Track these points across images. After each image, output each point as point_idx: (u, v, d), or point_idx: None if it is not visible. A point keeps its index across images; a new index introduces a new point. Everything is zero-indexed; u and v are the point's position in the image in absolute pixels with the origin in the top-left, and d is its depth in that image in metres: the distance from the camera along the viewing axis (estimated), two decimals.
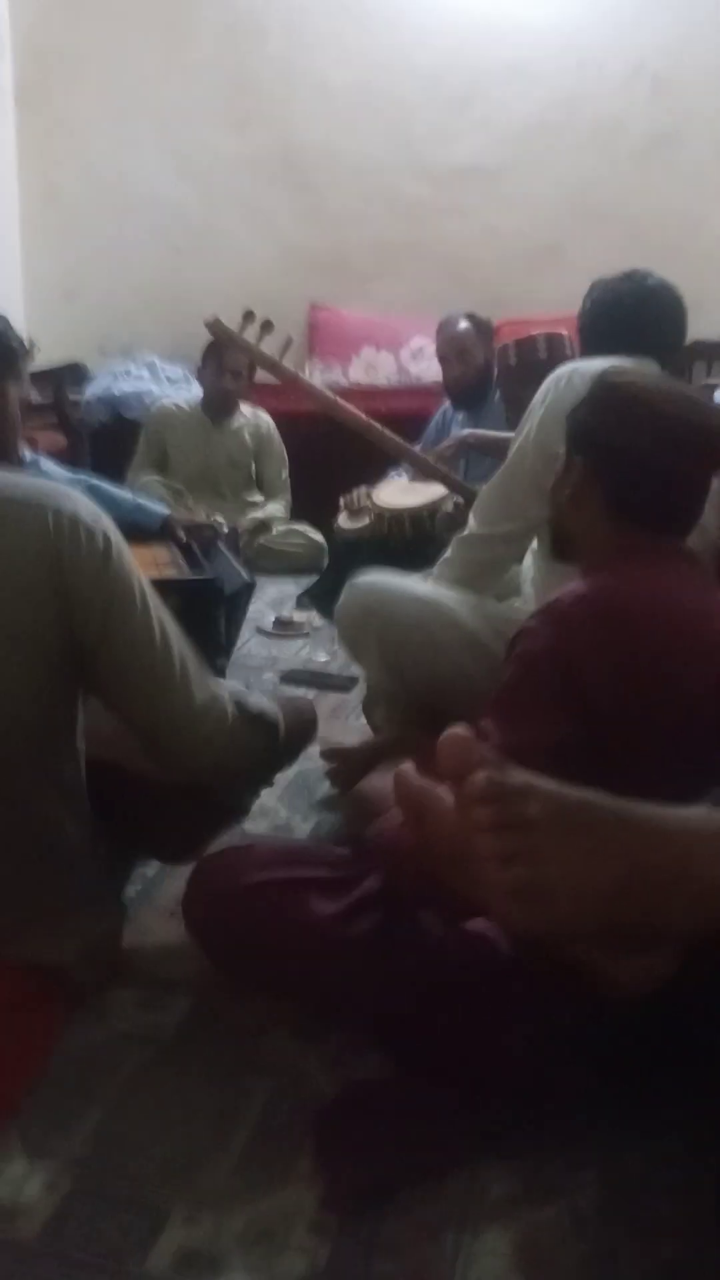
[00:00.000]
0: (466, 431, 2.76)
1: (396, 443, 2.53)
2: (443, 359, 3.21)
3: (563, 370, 1.77)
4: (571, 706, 1.01)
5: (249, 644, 2.81)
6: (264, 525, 3.58)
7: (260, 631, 2.91)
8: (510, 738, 0.97)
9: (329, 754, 1.95)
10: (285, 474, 3.77)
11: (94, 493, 2.44)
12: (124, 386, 3.96)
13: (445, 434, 3.22)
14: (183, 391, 3.93)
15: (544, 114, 4.07)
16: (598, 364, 1.69)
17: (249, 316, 2.32)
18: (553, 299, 3.48)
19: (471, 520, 1.95)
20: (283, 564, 3.45)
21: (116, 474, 3.42)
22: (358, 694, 2.43)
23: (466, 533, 1.94)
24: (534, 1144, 1.09)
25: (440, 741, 0.61)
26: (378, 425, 2.45)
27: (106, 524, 1.18)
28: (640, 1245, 0.99)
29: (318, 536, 3.50)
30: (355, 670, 2.56)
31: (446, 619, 1.81)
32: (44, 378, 3.84)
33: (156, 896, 1.55)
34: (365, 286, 4.25)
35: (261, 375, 3.10)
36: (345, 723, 2.27)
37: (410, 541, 2.68)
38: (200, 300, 4.03)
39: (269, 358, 2.38)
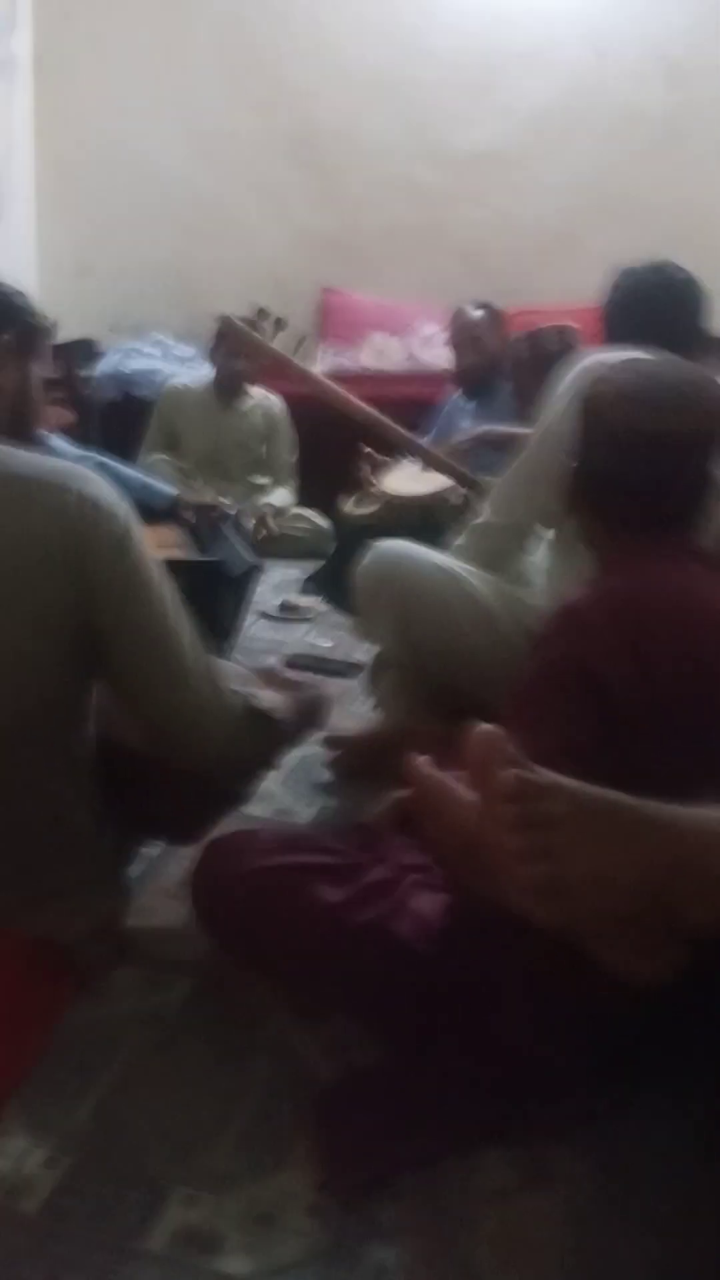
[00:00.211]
0: (484, 428, 2.75)
1: (405, 437, 2.52)
2: (455, 346, 3.19)
3: (587, 360, 1.76)
4: (591, 710, 1.02)
5: (253, 628, 2.81)
6: (280, 512, 3.58)
7: (264, 616, 2.91)
8: (531, 743, 0.97)
9: (332, 742, 1.95)
10: (293, 458, 3.76)
11: (103, 471, 2.43)
12: (135, 364, 3.95)
13: (454, 423, 3.21)
14: (193, 371, 3.91)
15: (562, 102, 4.05)
16: (621, 355, 1.69)
17: (262, 314, 2.31)
18: (566, 288, 3.47)
19: (485, 509, 1.95)
20: (288, 549, 3.45)
21: (124, 452, 3.41)
22: (361, 680, 2.44)
23: (480, 521, 1.94)
24: (532, 1134, 1.10)
25: (469, 737, 0.61)
26: (387, 420, 2.44)
27: (125, 508, 1.18)
28: (636, 1237, 1.00)
29: (323, 522, 3.50)
30: (359, 656, 2.57)
31: (465, 592, 1.82)
32: (54, 353, 3.81)
33: (160, 878, 1.55)
34: (377, 271, 4.23)
35: None
36: (348, 709, 2.27)
37: (417, 530, 2.67)
38: (212, 279, 4.06)
39: (280, 355, 2.37)
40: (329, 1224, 1.01)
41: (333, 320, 4.24)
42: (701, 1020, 1.08)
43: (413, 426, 2.62)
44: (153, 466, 3.39)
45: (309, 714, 1.46)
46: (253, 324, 2.33)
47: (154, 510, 2.85)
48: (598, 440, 1.17)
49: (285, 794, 1.87)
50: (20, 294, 1.30)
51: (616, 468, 1.16)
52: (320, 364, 3.87)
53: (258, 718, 1.29)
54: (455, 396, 3.29)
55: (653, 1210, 1.03)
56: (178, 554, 2.63)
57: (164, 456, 3.58)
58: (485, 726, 0.62)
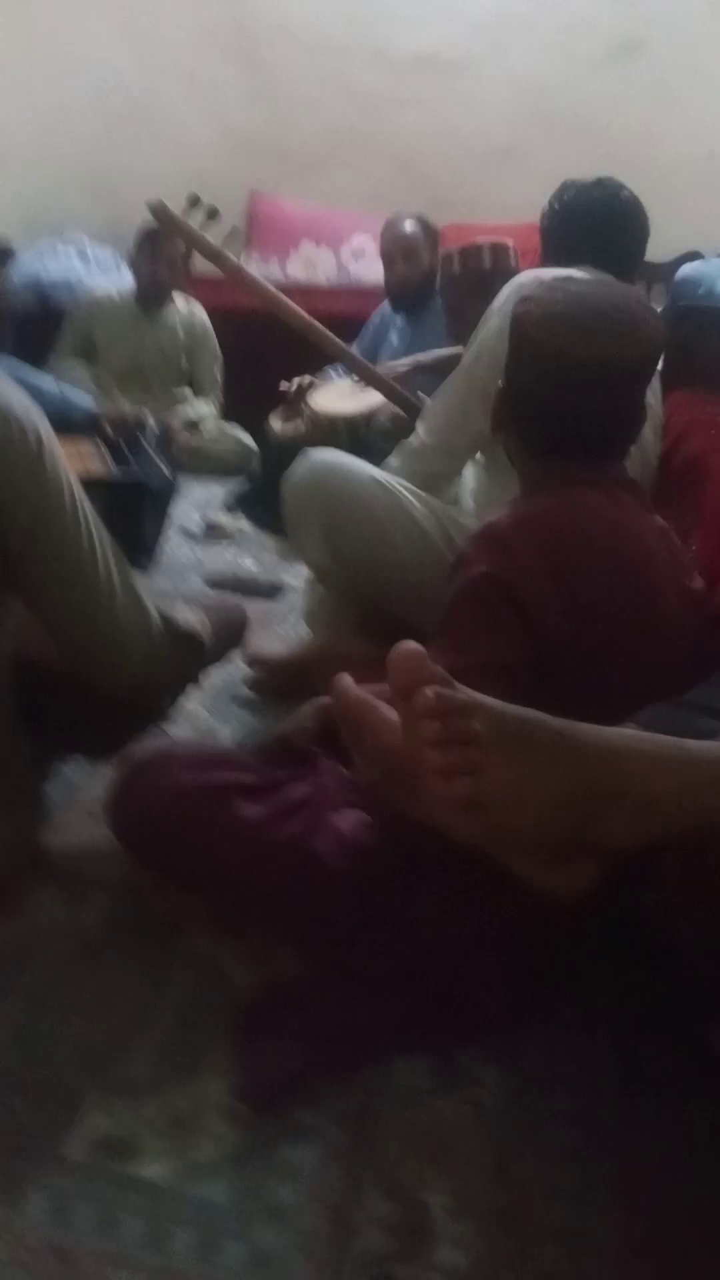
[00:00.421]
0: (417, 356, 2.70)
1: (340, 346, 2.46)
2: (387, 258, 3.12)
3: (525, 277, 1.73)
4: (512, 629, 1.02)
5: (175, 547, 2.76)
6: (194, 425, 3.49)
7: (187, 534, 2.85)
8: (453, 661, 0.97)
9: (253, 660, 1.94)
10: (218, 372, 3.66)
11: (19, 382, 2.34)
12: (51, 271, 3.77)
13: (383, 336, 3.16)
14: (113, 278, 3.76)
15: (512, 7, 3.92)
16: (559, 273, 1.67)
17: (194, 201, 2.21)
18: (503, 204, 3.41)
19: (419, 429, 1.92)
20: (212, 466, 3.38)
21: (39, 361, 3.28)
22: (284, 603, 2.42)
23: (414, 442, 1.91)
24: (446, 1040, 1.13)
25: (392, 655, 0.61)
26: (321, 326, 2.38)
27: (39, 418, 1.13)
28: (540, 1134, 1.05)
29: (249, 440, 3.43)
30: (284, 578, 2.55)
31: (397, 505, 1.81)
32: None
33: (78, 797, 1.54)
34: (309, 176, 4.10)
35: (198, 266, 2.98)
36: (271, 630, 2.26)
37: (346, 449, 2.64)
38: (136, 178, 3.86)
39: (214, 247, 2.28)
40: (245, 1127, 1.03)
41: (261, 227, 4.10)
42: (611, 935, 1.13)
43: (342, 340, 2.56)
44: (68, 376, 3.26)
45: (228, 632, 1.45)
46: (184, 212, 2.23)
47: (72, 423, 2.76)
48: (524, 361, 1.16)
49: (205, 713, 1.86)
50: None
51: (543, 391, 1.14)
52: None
53: (177, 636, 1.27)
54: (384, 309, 3.22)
55: (555, 1109, 1.08)
56: (97, 468, 2.56)
57: (80, 365, 3.45)
58: (407, 644, 0.62)
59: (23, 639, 1.27)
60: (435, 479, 1.90)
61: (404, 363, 2.68)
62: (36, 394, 2.62)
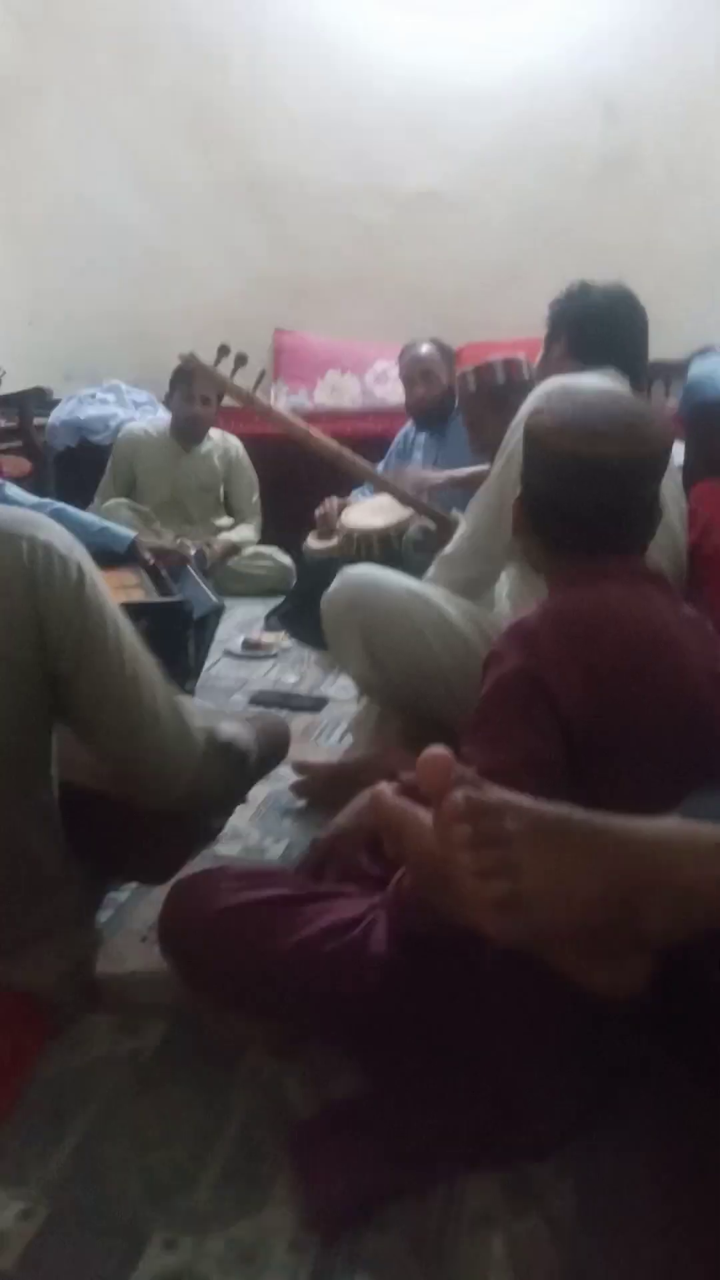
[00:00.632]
0: (458, 471, 2.79)
1: (368, 469, 2.56)
2: (407, 380, 3.26)
3: (551, 386, 1.79)
4: (545, 723, 1.03)
5: (218, 666, 2.81)
6: (233, 549, 3.59)
7: (229, 654, 2.91)
8: (488, 758, 0.99)
9: (299, 767, 1.96)
10: (255, 498, 3.80)
11: (60, 517, 2.45)
12: (89, 411, 3.97)
13: (408, 455, 3.27)
14: (149, 416, 3.94)
15: (502, 141, 4.16)
16: (584, 380, 1.73)
17: (224, 350, 2.34)
18: (512, 322, 3.55)
19: (455, 538, 1.97)
20: (250, 587, 3.47)
21: (81, 499, 3.42)
22: (327, 715, 2.45)
23: (449, 551, 1.96)
24: (513, 1155, 1.10)
25: (420, 761, 0.63)
26: (349, 453, 2.48)
27: (80, 552, 1.19)
28: (618, 1253, 1.00)
29: (285, 559, 3.52)
30: (326, 691, 2.58)
31: (434, 613, 1.84)
32: (7, 402, 3.84)
33: (129, 922, 1.55)
34: (329, 311, 4.31)
35: (229, 398, 3.13)
36: (315, 744, 2.28)
37: (379, 562, 2.70)
38: (165, 325, 4.10)
39: (244, 392, 2.40)
40: (311, 1258, 1.00)
41: (286, 360, 4.30)
42: (676, 1032, 1.10)
43: (371, 462, 2.66)
44: (111, 512, 3.39)
45: (272, 744, 1.47)
46: (215, 361, 2.36)
47: (113, 554, 2.86)
48: (539, 467, 1.20)
49: (254, 831, 1.87)
50: None
51: (558, 492, 1.18)
52: (276, 403, 3.92)
53: (223, 750, 1.29)
54: (408, 429, 3.34)
55: (634, 1226, 1.03)
56: (139, 596, 2.64)
57: (123, 500, 3.59)
58: (435, 748, 0.63)
59: (68, 764, 1.31)
60: (474, 585, 1.93)
61: (439, 475, 2.77)
62: (78, 527, 2.74)
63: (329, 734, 2.33)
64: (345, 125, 4.21)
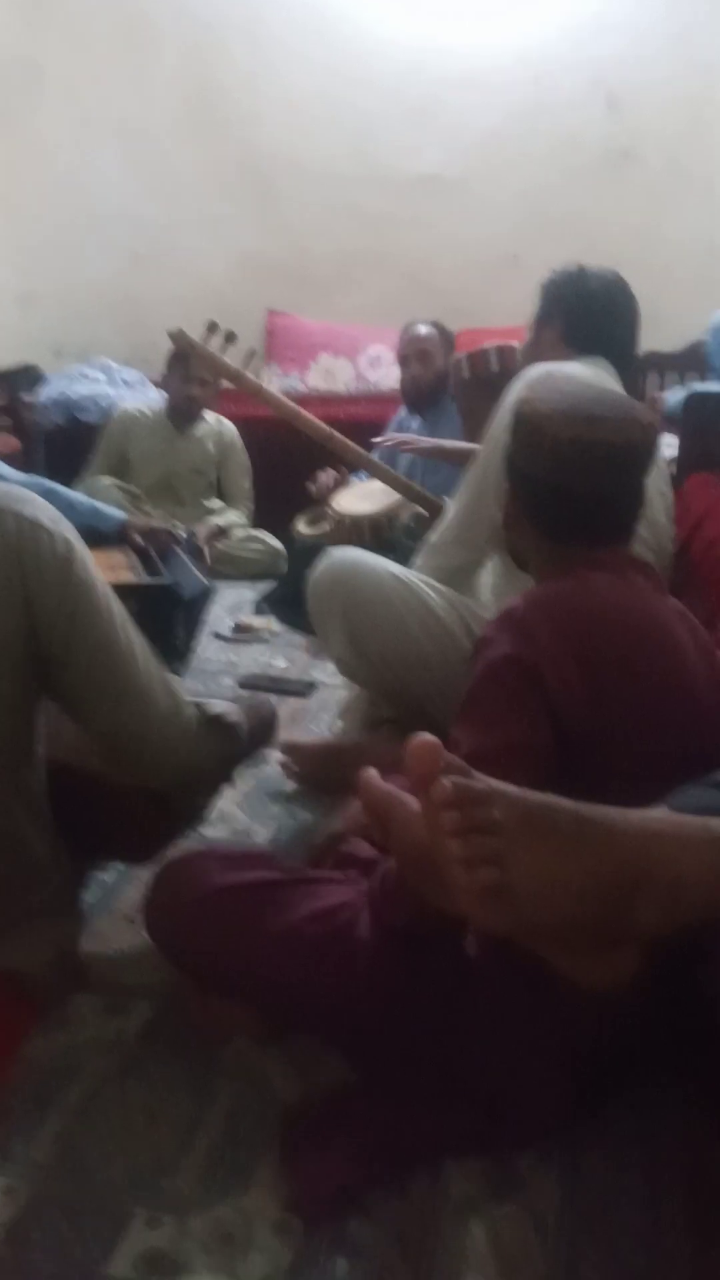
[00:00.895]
0: (446, 441, 2.77)
1: (359, 453, 2.55)
2: (403, 360, 3.24)
3: (537, 374, 1.78)
4: (535, 710, 1.03)
5: (207, 649, 2.80)
6: (223, 532, 3.58)
7: (218, 637, 2.90)
8: (477, 746, 0.98)
9: (288, 747, 1.96)
10: (248, 483, 3.78)
11: (50, 496, 2.42)
12: (79, 389, 3.94)
13: None
14: (139, 395, 3.91)
15: (502, 126, 4.13)
16: (569, 369, 1.73)
17: (213, 327, 2.33)
18: (510, 309, 3.52)
19: (441, 527, 1.97)
20: (241, 570, 3.45)
21: (70, 477, 3.40)
22: (316, 700, 2.44)
23: (435, 539, 1.96)
24: (499, 1144, 1.10)
25: (408, 748, 0.62)
26: (339, 435, 2.47)
27: (68, 528, 1.18)
28: (600, 1247, 1.01)
29: (276, 543, 3.51)
30: (315, 675, 2.58)
31: (414, 598, 1.83)
32: None
33: (115, 903, 1.54)
34: (324, 295, 4.28)
35: (225, 381, 3.11)
36: (304, 728, 2.28)
37: (369, 548, 2.70)
38: (158, 306, 4.07)
39: (232, 369, 2.38)
40: (295, 1241, 1.00)
41: (279, 343, 4.27)
42: (664, 1028, 1.10)
43: (363, 447, 2.65)
44: (100, 492, 3.37)
45: (260, 728, 1.47)
46: (204, 338, 2.34)
47: (103, 534, 2.84)
48: (536, 451, 1.19)
49: (241, 814, 1.86)
50: None
51: (556, 477, 1.18)
52: (268, 386, 3.90)
53: (214, 724, 1.29)
54: (401, 413, 3.33)
55: (617, 1221, 1.04)
56: (128, 577, 2.63)
57: (114, 480, 3.57)
58: (422, 736, 0.63)
59: (51, 741, 1.30)
60: (457, 573, 1.93)
61: (426, 441, 2.75)
62: (68, 507, 2.72)
63: (317, 719, 2.33)
64: (344, 108, 4.17)
